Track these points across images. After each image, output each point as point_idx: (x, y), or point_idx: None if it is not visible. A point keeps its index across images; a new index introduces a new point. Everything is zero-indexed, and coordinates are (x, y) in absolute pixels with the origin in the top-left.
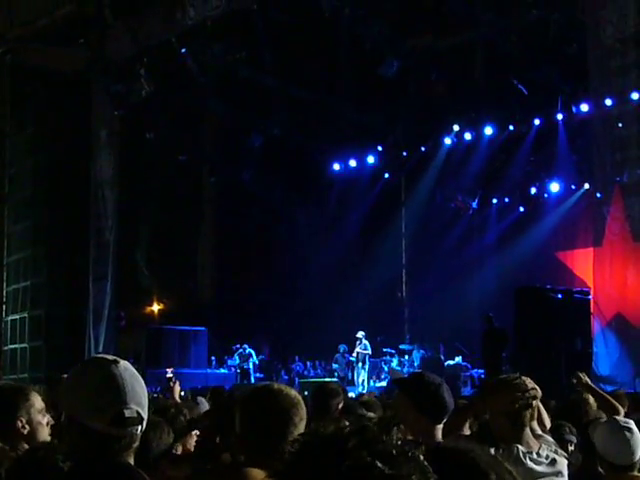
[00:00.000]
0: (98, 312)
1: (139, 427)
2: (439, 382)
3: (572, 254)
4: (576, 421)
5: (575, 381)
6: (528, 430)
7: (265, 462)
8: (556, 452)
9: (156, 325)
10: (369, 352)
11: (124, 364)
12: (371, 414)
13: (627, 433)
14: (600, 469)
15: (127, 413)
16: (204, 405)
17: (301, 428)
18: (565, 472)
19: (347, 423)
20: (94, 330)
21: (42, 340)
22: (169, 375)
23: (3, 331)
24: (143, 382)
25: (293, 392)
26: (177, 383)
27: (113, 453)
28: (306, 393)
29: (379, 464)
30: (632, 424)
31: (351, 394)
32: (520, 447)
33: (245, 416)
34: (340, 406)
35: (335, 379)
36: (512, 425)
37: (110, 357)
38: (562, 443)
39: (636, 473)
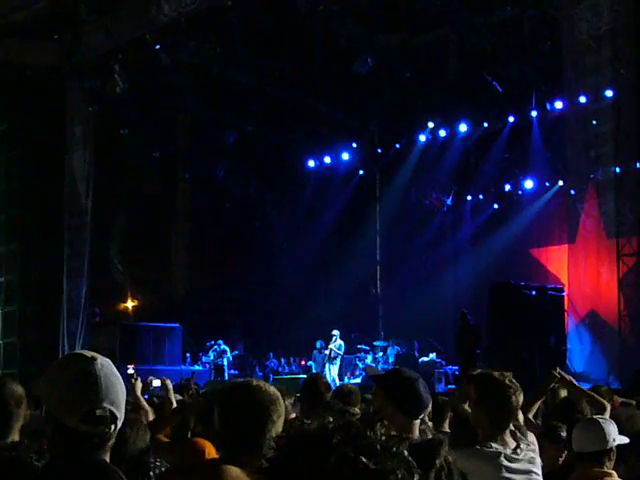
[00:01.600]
0: (73, 308)
1: (112, 426)
2: (415, 377)
3: (546, 251)
4: (569, 420)
5: (556, 384)
6: (508, 430)
7: (243, 459)
8: (532, 450)
9: (130, 321)
10: (341, 352)
11: (102, 361)
12: (355, 409)
13: (594, 423)
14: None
15: (98, 412)
16: None
17: (279, 425)
18: (539, 471)
19: (331, 419)
20: (68, 326)
21: (16, 336)
22: (130, 372)
23: None
24: (121, 380)
25: (272, 388)
26: (139, 379)
27: (86, 450)
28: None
29: (363, 459)
30: (605, 418)
31: None
32: (495, 445)
33: (223, 412)
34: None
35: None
36: (491, 422)
37: (89, 354)
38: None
39: (605, 469)
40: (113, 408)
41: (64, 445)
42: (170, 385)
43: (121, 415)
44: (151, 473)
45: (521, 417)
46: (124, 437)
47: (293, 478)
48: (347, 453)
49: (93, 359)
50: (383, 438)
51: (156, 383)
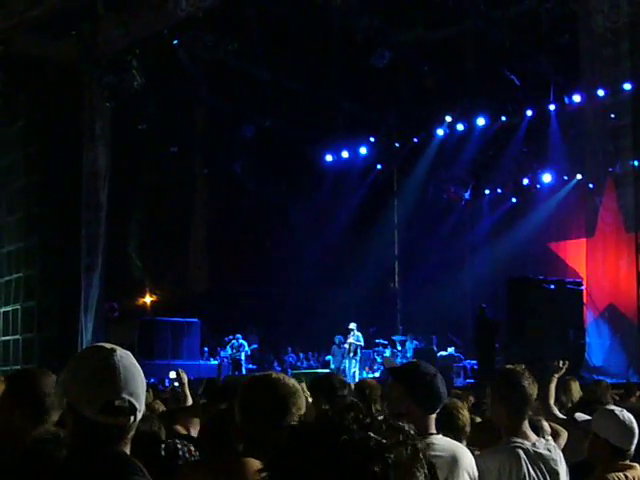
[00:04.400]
0: (90, 303)
1: (131, 417)
2: (434, 372)
3: (565, 245)
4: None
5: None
6: (526, 422)
7: (263, 451)
8: (554, 444)
9: (149, 316)
10: (361, 344)
11: (121, 353)
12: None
13: (626, 414)
14: (589, 455)
15: (117, 402)
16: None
17: (298, 417)
18: (562, 461)
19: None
20: (86, 321)
21: (35, 332)
22: (172, 375)
23: None
24: (142, 372)
25: (291, 381)
26: (183, 375)
27: (106, 442)
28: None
29: (373, 435)
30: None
31: None
32: (517, 439)
33: (243, 405)
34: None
35: (328, 370)
36: (509, 412)
37: (108, 345)
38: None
39: (628, 462)
40: (132, 399)
41: (84, 437)
42: (185, 378)
43: (141, 407)
44: (180, 453)
45: (556, 411)
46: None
47: (303, 466)
48: (356, 431)
49: (112, 350)
50: (383, 417)
51: (172, 375)
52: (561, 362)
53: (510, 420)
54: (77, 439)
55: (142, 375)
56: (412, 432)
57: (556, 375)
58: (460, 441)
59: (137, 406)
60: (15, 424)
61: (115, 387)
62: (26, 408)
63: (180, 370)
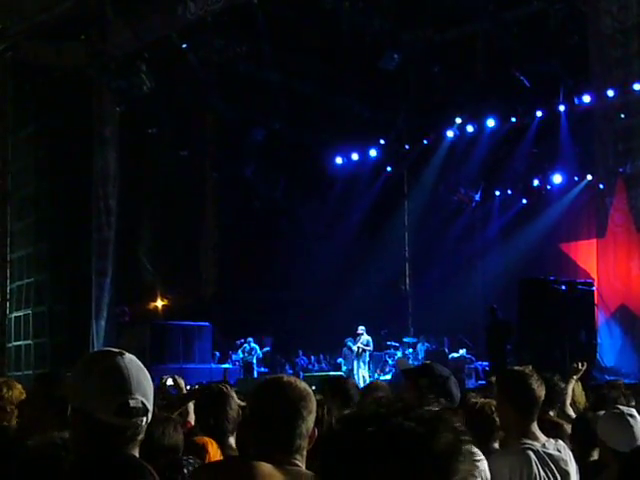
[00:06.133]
0: (101, 308)
1: (144, 418)
2: (447, 374)
3: (576, 245)
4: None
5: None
6: (535, 423)
7: (274, 455)
8: (563, 444)
9: (160, 321)
10: (371, 348)
11: (129, 356)
12: None
13: (631, 419)
14: (600, 459)
15: (132, 403)
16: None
17: (310, 421)
18: (572, 461)
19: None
20: (97, 326)
21: (46, 336)
22: (169, 383)
23: (7, 328)
24: (149, 375)
25: (303, 384)
26: (179, 380)
27: (118, 444)
28: (314, 387)
29: (413, 424)
30: (634, 412)
31: None
32: (527, 440)
33: (254, 408)
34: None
35: (341, 373)
36: (518, 413)
37: (115, 350)
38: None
39: None
40: (144, 400)
41: (95, 440)
42: (182, 383)
43: (151, 408)
44: (185, 471)
45: (571, 412)
46: (150, 433)
47: (351, 455)
48: (399, 422)
49: (121, 354)
50: (433, 410)
51: (169, 382)
52: (580, 364)
53: (519, 422)
54: (87, 442)
55: (149, 378)
56: (458, 425)
57: (575, 377)
58: (494, 441)
59: (149, 407)
60: (44, 424)
61: (129, 388)
62: (56, 409)
63: (176, 376)
